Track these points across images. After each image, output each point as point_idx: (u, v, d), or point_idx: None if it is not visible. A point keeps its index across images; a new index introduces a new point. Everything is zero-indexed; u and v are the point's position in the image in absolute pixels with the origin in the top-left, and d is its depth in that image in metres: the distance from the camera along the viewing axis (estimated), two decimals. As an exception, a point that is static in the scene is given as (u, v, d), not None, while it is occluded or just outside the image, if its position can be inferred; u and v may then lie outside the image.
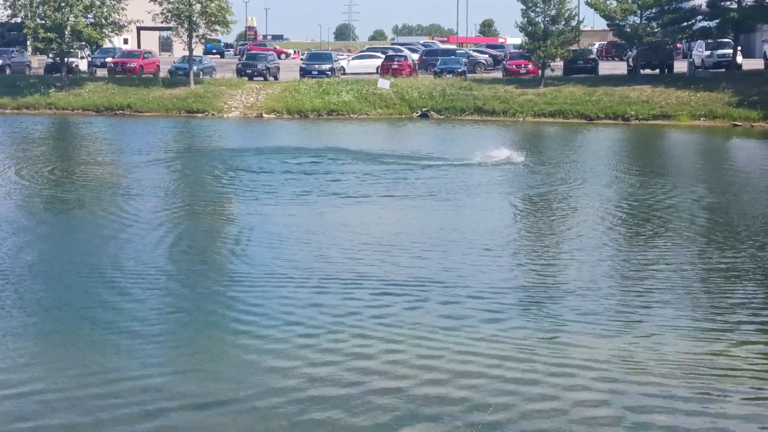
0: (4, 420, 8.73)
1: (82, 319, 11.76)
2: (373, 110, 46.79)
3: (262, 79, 53.24)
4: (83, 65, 56.32)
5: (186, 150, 32.48)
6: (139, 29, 73.80)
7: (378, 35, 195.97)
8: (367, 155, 29.40)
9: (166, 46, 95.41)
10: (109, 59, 56.10)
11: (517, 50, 59.02)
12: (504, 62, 56.29)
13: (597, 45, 75.06)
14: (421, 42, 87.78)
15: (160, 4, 50.81)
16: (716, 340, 11.02)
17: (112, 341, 10.94)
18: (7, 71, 54.68)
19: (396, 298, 12.71)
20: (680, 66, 51.75)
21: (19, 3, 50.01)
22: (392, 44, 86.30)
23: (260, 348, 10.68)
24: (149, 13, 51.22)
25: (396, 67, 53.03)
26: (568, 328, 11.40)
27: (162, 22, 52.01)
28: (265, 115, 46.45)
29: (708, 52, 50.59)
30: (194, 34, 51.10)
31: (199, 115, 46.45)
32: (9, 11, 51.06)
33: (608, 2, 48.83)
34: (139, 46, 78.79)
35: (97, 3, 50.00)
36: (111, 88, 49.82)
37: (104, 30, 50.95)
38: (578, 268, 14.57)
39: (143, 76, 53.12)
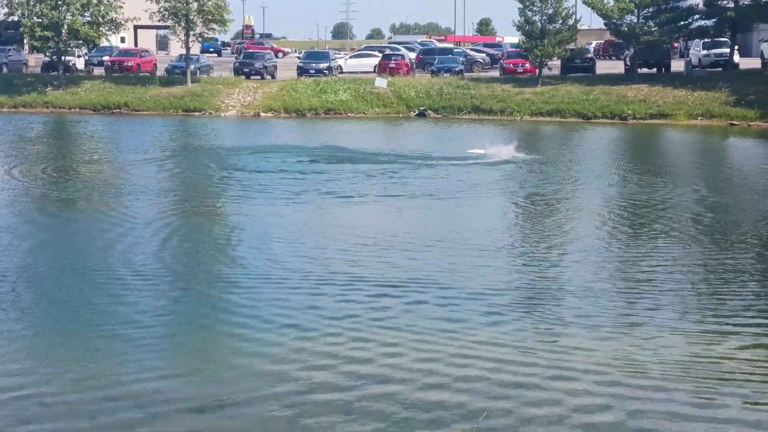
0: (2, 423, 8.68)
1: (78, 322, 11.67)
2: (370, 109, 46.75)
3: (259, 77, 53.16)
4: (80, 64, 56.17)
5: (183, 149, 32.40)
6: (136, 28, 73.49)
7: (375, 34, 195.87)
8: (364, 154, 29.36)
9: (163, 44, 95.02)
10: (106, 58, 55.90)
11: (514, 49, 59.09)
12: (501, 61, 56.21)
13: (594, 44, 74.84)
14: (419, 41, 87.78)
15: (158, 2, 50.68)
16: (717, 342, 10.93)
17: (109, 344, 10.86)
18: (4, 70, 54.55)
19: (393, 299, 12.63)
20: (677, 65, 51.78)
21: (16, 1, 49.99)
22: (389, 43, 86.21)
23: (257, 351, 10.60)
24: (146, 11, 51.09)
25: (393, 65, 52.93)
26: (568, 331, 11.34)
27: (159, 21, 51.87)
28: (262, 114, 46.38)
29: (705, 52, 50.52)
30: (191, 32, 50.98)
31: (196, 113, 46.39)
32: (6, 9, 51.00)
33: (605, 1, 48.88)
34: (136, 44, 78.48)
35: (94, 1, 49.98)
36: (108, 86, 49.76)
37: (101, 28, 50.98)
38: (576, 269, 14.51)
39: (140, 74, 53.11)
